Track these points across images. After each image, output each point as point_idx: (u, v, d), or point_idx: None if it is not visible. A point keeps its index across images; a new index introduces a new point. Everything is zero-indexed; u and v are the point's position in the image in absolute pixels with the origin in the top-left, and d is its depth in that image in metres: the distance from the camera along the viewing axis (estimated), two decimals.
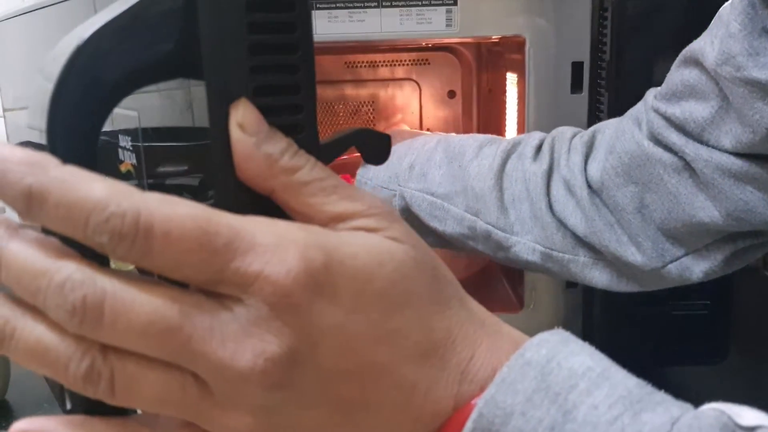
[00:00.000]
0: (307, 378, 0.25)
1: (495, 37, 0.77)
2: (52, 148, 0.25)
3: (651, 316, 0.70)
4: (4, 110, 0.65)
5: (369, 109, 0.96)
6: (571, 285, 0.73)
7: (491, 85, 0.91)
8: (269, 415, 0.26)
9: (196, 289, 0.25)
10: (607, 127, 0.58)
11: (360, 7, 0.68)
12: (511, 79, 0.80)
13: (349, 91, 0.95)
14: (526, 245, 0.58)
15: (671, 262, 0.53)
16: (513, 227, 0.58)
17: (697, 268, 0.54)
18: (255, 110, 0.27)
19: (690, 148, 0.49)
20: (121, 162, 0.35)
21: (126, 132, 0.34)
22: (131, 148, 0.33)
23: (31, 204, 0.23)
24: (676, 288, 0.70)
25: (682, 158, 0.50)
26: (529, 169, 0.58)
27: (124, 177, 0.36)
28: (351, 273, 0.26)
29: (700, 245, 0.53)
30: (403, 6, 0.69)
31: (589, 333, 0.71)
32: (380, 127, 0.94)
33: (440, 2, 0.69)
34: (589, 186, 0.56)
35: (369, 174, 0.67)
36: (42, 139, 0.25)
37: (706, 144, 0.48)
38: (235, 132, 0.26)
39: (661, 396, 0.27)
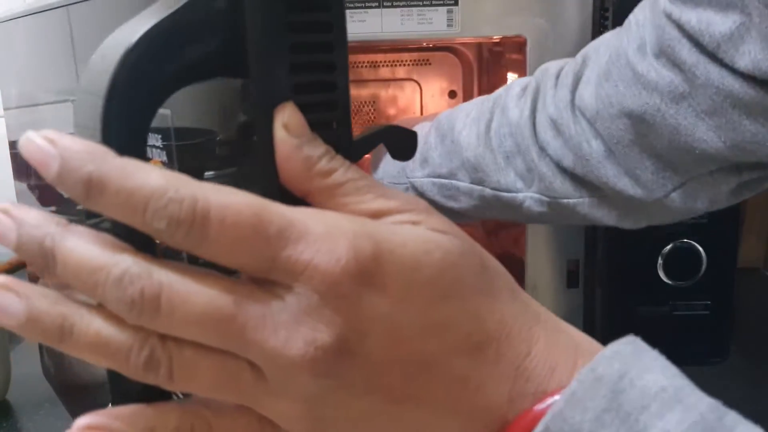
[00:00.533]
0: (356, 367, 0.26)
1: (496, 37, 0.77)
2: (106, 145, 0.25)
3: (652, 316, 0.70)
4: (4, 109, 0.65)
5: (370, 109, 0.96)
6: (572, 285, 0.73)
7: (492, 85, 0.91)
8: (320, 404, 0.26)
9: (248, 278, 0.25)
10: (602, 45, 0.53)
11: (361, 8, 0.68)
12: (512, 79, 0.80)
13: (350, 91, 0.95)
14: (532, 198, 0.56)
15: (674, 190, 0.50)
16: (516, 185, 0.57)
17: (702, 193, 0.50)
18: (300, 114, 0.27)
19: (701, 69, 0.43)
20: (149, 159, 0.36)
21: (156, 130, 0.35)
22: (161, 146, 0.34)
23: (90, 191, 0.24)
24: (678, 288, 0.70)
25: (683, 83, 0.45)
26: (512, 121, 0.56)
27: None
28: (399, 262, 0.26)
29: (704, 171, 0.49)
30: (404, 6, 0.69)
31: (589, 333, 0.71)
32: None
33: (441, 2, 0.68)
34: (583, 114, 0.52)
35: (379, 173, 0.67)
36: (93, 137, 0.25)
37: (720, 62, 0.43)
38: (279, 132, 0.27)
39: (733, 418, 0.26)
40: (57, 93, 0.51)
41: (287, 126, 0.27)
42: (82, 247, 0.24)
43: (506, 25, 0.69)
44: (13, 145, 0.66)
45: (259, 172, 0.28)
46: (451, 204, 0.61)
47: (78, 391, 0.62)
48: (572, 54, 0.67)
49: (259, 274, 0.25)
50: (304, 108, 0.28)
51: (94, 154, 0.24)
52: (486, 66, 0.92)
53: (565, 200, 0.55)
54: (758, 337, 0.83)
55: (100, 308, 0.25)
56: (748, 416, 0.27)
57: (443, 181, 0.61)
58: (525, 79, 0.59)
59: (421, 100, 0.95)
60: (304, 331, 0.25)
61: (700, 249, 0.68)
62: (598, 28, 0.68)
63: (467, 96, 0.95)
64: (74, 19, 0.46)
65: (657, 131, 0.47)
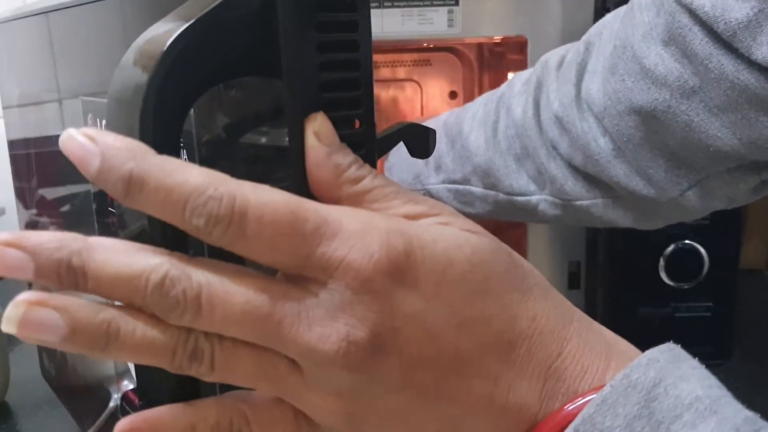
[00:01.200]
0: (390, 363, 0.26)
1: (497, 38, 0.77)
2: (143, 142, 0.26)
3: (653, 318, 0.70)
4: (3, 108, 0.64)
5: None
6: (573, 286, 0.72)
7: (493, 86, 0.90)
8: (354, 398, 0.26)
9: (281, 276, 0.26)
10: (605, 30, 0.50)
11: None
12: None
13: None
14: (546, 201, 0.55)
15: (689, 188, 0.47)
16: (529, 188, 0.56)
17: (720, 192, 0.47)
18: (330, 123, 0.28)
19: (714, 62, 0.40)
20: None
21: None
22: (181, 144, 0.34)
23: (130, 188, 0.24)
24: (679, 290, 0.70)
25: (693, 76, 0.42)
26: (518, 121, 0.55)
27: None
28: (431, 258, 0.26)
29: (721, 169, 0.46)
30: (404, 6, 0.68)
31: None
32: (381, 128, 0.94)
33: (442, 2, 0.68)
34: (590, 109, 0.50)
35: (394, 179, 0.66)
36: (129, 135, 0.25)
37: (735, 53, 0.40)
38: (310, 139, 0.28)
39: None
40: (50, 92, 0.51)
41: (318, 134, 0.28)
42: (113, 258, 0.24)
43: (507, 26, 0.69)
44: (12, 145, 0.66)
45: (289, 176, 0.28)
46: (467, 210, 0.60)
47: (77, 392, 0.62)
48: None
49: (294, 270, 0.26)
50: (329, 106, 0.28)
51: (134, 152, 0.24)
52: (487, 66, 0.92)
53: (579, 202, 0.54)
54: (760, 339, 0.83)
55: (138, 310, 0.25)
56: None
57: (458, 187, 0.60)
58: (525, 74, 0.58)
59: (421, 100, 0.95)
60: (337, 327, 0.25)
61: (702, 250, 0.68)
62: None
63: (468, 97, 0.94)
64: (53, 25, 0.46)
65: (668, 128, 0.45)
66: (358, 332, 0.25)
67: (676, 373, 0.27)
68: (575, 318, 0.29)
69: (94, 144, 0.24)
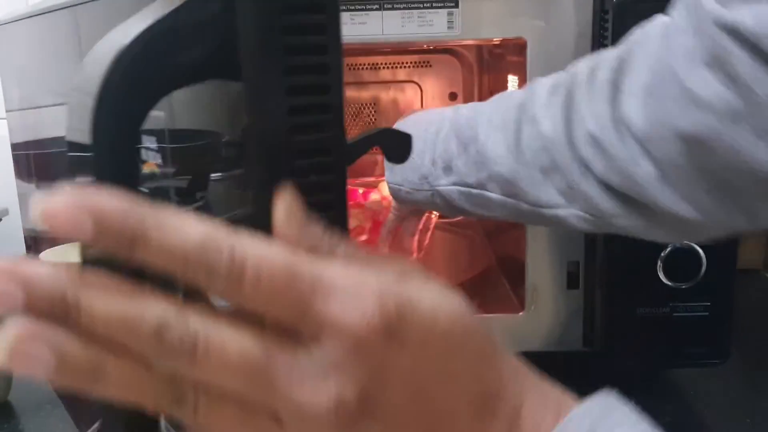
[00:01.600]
0: (377, 422, 0.26)
1: (496, 39, 0.77)
2: (97, 149, 0.26)
3: (651, 318, 0.70)
4: (6, 111, 0.65)
5: (370, 111, 0.96)
6: (572, 286, 0.73)
7: (492, 87, 0.91)
8: None
9: (277, 327, 0.26)
10: (636, 46, 0.47)
11: (362, 10, 0.68)
12: (513, 81, 0.80)
13: (351, 93, 0.95)
14: (576, 216, 0.53)
15: (737, 211, 0.45)
16: (556, 200, 0.53)
17: (767, 213, 0.45)
18: (298, 201, 0.27)
19: (761, 85, 0.37)
20: (144, 162, 0.36)
21: (150, 132, 0.35)
22: (156, 149, 0.34)
23: (135, 248, 0.24)
24: (677, 290, 0.70)
25: (738, 99, 0.39)
26: (546, 135, 0.52)
27: (149, 177, 0.36)
28: (419, 316, 0.27)
29: None
30: (404, 8, 0.69)
31: (589, 335, 0.71)
32: None
33: (441, 4, 0.69)
34: (629, 131, 0.47)
35: (397, 179, 0.64)
36: (83, 138, 0.25)
37: None
38: (279, 222, 0.27)
39: None
40: (60, 95, 0.51)
41: (287, 220, 0.27)
42: (110, 298, 0.25)
43: (506, 27, 0.69)
44: (15, 146, 0.66)
45: (251, 181, 0.28)
46: (481, 211, 0.59)
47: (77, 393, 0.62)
48: (573, 56, 0.67)
49: (289, 323, 0.26)
50: (297, 110, 0.28)
51: (131, 212, 0.24)
52: (486, 68, 0.92)
53: (613, 219, 0.51)
54: (758, 339, 0.83)
55: (128, 351, 0.25)
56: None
57: (472, 190, 0.58)
58: (548, 82, 0.55)
59: (421, 102, 0.96)
60: (328, 385, 0.25)
61: (700, 251, 0.68)
62: (599, 30, 0.68)
63: (468, 98, 0.95)
64: (81, 20, 0.46)
65: (715, 153, 0.42)
66: (348, 392, 0.25)
67: (609, 420, 0.28)
68: (529, 376, 0.31)
69: (83, 212, 0.24)
